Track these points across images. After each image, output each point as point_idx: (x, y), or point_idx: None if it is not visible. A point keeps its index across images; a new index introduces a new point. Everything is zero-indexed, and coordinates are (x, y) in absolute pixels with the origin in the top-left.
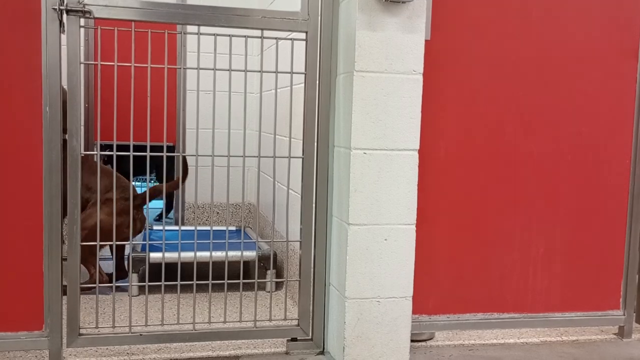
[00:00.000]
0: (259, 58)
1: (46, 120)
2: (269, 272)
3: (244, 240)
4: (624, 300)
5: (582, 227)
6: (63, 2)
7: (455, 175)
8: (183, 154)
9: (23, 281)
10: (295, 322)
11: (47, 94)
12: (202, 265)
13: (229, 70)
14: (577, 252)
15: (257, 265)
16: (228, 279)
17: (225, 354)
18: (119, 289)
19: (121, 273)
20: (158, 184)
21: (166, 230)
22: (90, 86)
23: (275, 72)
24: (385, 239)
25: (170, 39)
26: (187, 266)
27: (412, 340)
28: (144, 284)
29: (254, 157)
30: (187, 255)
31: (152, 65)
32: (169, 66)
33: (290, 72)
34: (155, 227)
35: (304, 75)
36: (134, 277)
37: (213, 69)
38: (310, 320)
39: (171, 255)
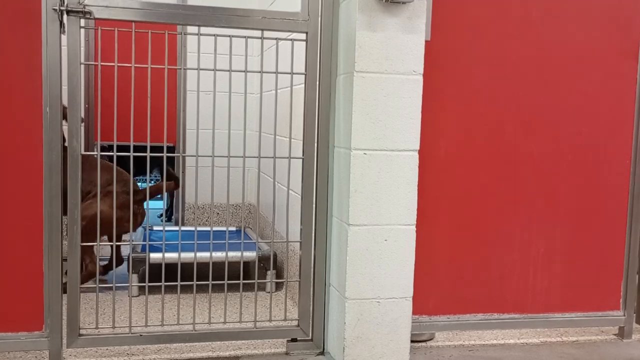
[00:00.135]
0: (259, 59)
1: (46, 120)
2: (269, 272)
3: (244, 241)
4: (624, 300)
5: (582, 227)
6: (63, 2)
7: (456, 176)
8: (168, 167)
9: (23, 281)
10: (295, 323)
11: (47, 94)
12: (202, 266)
13: (229, 70)
14: (577, 252)
15: (257, 266)
16: (228, 280)
17: (225, 355)
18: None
19: (117, 262)
20: (159, 182)
21: (166, 230)
22: (90, 87)
23: (275, 72)
24: (386, 240)
25: (170, 40)
26: (187, 267)
27: (412, 341)
28: (144, 284)
29: (254, 157)
30: (187, 256)
31: (152, 66)
32: (169, 67)
33: (290, 73)
34: (155, 228)
35: (304, 75)
36: (134, 278)
37: (213, 70)
38: (310, 321)
39: (171, 256)
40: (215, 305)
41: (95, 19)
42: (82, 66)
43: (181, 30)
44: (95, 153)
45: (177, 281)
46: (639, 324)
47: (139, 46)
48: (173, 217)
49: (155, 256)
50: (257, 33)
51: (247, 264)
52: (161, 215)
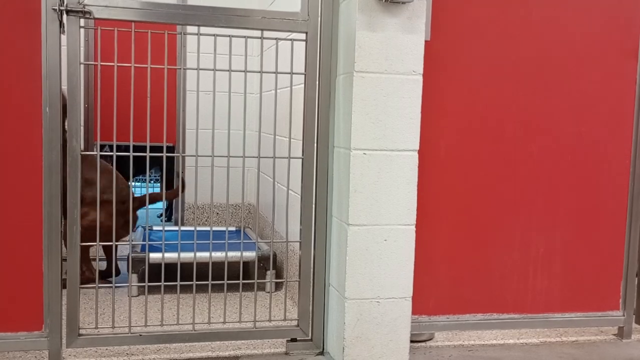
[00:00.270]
0: (259, 58)
1: (46, 120)
2: (268, 272)
3: (244, 241)
4: (624, 300)
5: (581, 227)
6: (63, 2)
7: (455, 176)
8: (182, 175)
9: (23, 281)
10: (294, 323)
11: (47, 94)
12: (202, 266)
13: (228, 70)
14: (576, 252)
15: (257, 266)
16: (228, 280)
17: (224, 355)
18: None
19: (112, 271)
20: (159, 191)
21: (166, 230)
22: (90, 86)
23: (275, 72)
24: (385, 240)
25: (170, 40)
26: (186, 266)
27: (411, 341)
28: (143, 284)
29: (254, 157)
30: (186, 256)
31: (152, 66)
32: (168, 67)
33: (290, 73)
34: (155, 228)
35: (303, 75)
36: (133, 278)
37: (213, 70)
38: (310, 321)
39: (171, 256)
40: (215, 305)
41: (94, 18)
42: (82, 66)
43: (181, 30)
44: (95, 153)
45: (176, 281)
46: (639, 324)
47: (138, 46)
48: (173, 217)
49: (154, 256)
50: (257, 33)
51: (247, 264)
52: (161, 215)
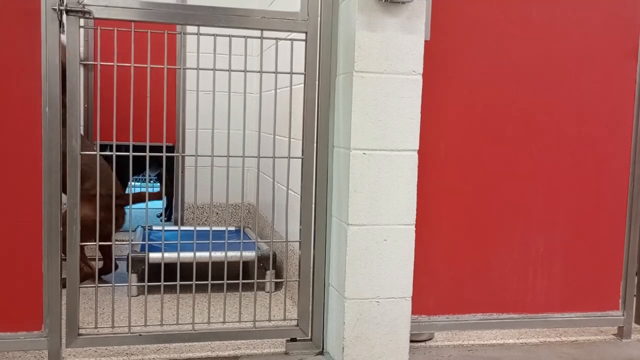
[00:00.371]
0: (259, 58)
1: (46, 120)
2: (268, 272)
3: (244, 241)
4: (624, 300)
5: (582, 227)
6: (63, 2)
7: (455, 176)
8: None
9: (22, 281)
10: (294, 323)
11: (47, 94)
12: (202, 266)
13: (228, 70)
14: (576, 252)
15: (257, 266)
16: (227, 279)
17: (224, 354)
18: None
19: (110, 267)
20: (143, 191)
21: (166, 230)
22: (90, 86)
23: (274, 72)
24: (385, 240)
25: (169, 40)
26: (186, 266)
27: (411, 341)
28: (143, 284)
29: (254, 157)
30: (186, 256)
31: (151, 66)
32: (168, 66)
33: (289, 73)
34: (154, 228)
35: (303, 75)
36: (133, 278)
37: (213, 70)
38: (310, 321)
39: (170, 256)
40: (215, 305)
41: (94, 18)
42: (82, 66)
43: (180, 30)
44: (95, 153)
45: (176, 281)
46: (638, 324)
47: (138, 46)
48: (172, 216)
49: (154, 256)
50: (257, 33)
51: (247, 264)
52: (160, 215)
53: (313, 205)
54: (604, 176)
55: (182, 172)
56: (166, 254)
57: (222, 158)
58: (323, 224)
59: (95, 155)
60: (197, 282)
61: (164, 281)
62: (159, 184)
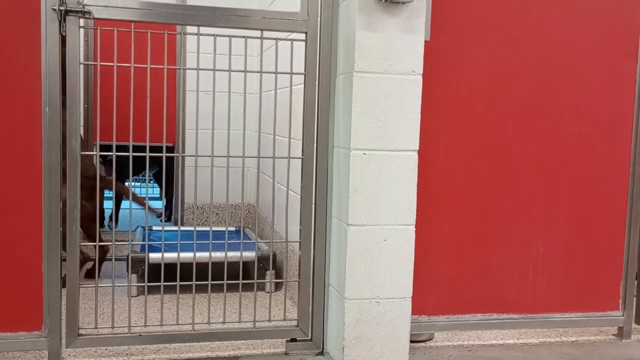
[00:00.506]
0: (259, 59)
1: (45, 120)
2: (268, 272)
3: (244, 241)
4: (624, 301)
5: (581, 227)
6: (63, 2)
7: (455, 176)
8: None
9: (22, 281)
10: (294, 323)
11: (47, 94)
12: (202, 266)
13: (228, 70)
14: (576, 252)
15: (257, 266)
16: (227, 280)
17: (224, 355)
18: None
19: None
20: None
21: (165, 230)
22: (90, 86)
23: (274, 72)
24: (385, 240)
25: (169, 40)
26: (186, 267)
27: (411, 341)
28: (143, 284)
29: (254, 157)
30: (186, 256)
31: (151, 66)
32: (168, 67)
33: (289, 73)
34: (154, 228)
35: (303, 75)
36: (133, 278)
37: (213, 70)
38: (310, 321)
39: (170, 256)
40: (215, 305)
41: (94, 18)
42: (82, 66)
43: (180, 30)
44: (95, 153)
45: (176, 281)
46: (638, 325)
47: (138, 46)
48: (172, 217)
49: (154, 256)
50: (257, 33)
51: (247, 264)
52: (160, 215)
53: (313, 206)
54: (604, 176)
55: (182, 172)
56: (166, 254)
57: (222, 158)
58: (323, 224)
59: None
60: (197, 283)
61: (164, 281)
62: (157, 184)
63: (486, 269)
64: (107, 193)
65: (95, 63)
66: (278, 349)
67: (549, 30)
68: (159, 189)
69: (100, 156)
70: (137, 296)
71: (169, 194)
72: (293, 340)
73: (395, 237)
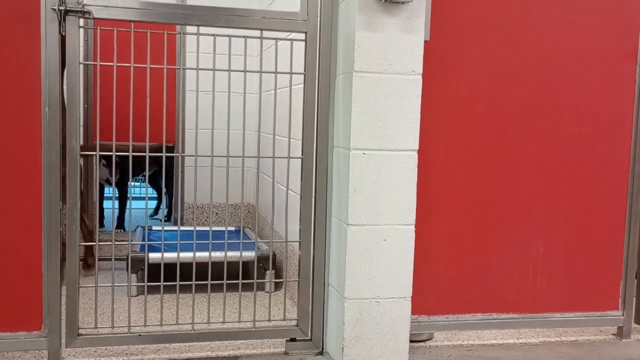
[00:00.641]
0: (259, 58)
1: (45, 120)
2: (268, 272)
3: (243, 241)
4: (623, 300)
5: (581, 227)
6: (63, 2)
7: (455, 176)
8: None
9: (22, 281)
10: (294, 323)
11: (47, 94)
12: (201, 266)
13: (228, 70)
14: (576, 252)
15: (256, 266)
16: (227, 280)
17: (224, 355)
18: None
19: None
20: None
21: (165, 230)
22: (89, 86)
23: (274, 72)
24: (385, 240)
25: (169, 40)
26: (186, 266)
27: (411, 341)
28: (142, 284)
29: (253, 157)
30: (186, 256)
31: (151, 66)
32: (168, 66)
33: (289, 73)
34: (154, 228)
35: (303, 75)
36: (133, 278)
37: (212, 70)
38: (310, 321)
39: (170, 256)
40: (214, 305)
41: (94, 18)
42: (81, 66)
43: (180, 30)
44: (95, 153)
45: (176, 281)
46: (638, 324)
47: (138, 46)
48: (172, 216)
49: (154, 256)
50: (256, 33)
51: (246, 264)
52: (152, 215)
53: (313, 205)
54: (604, 176)
55: (182, 172)
56: (166, 254)
57: (222, 158)
58: (323, 224)
59: None
60: (196, 282)
61: (164, 281)
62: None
63: (486, 269)
64: (107, 193)
65: (95, 63)
66: (278, 349)
67: (549, 30)
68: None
69: (103, 158)
70: (136, 296)
71: (168, 194)
72: (293, 340)
73: (395, 237)
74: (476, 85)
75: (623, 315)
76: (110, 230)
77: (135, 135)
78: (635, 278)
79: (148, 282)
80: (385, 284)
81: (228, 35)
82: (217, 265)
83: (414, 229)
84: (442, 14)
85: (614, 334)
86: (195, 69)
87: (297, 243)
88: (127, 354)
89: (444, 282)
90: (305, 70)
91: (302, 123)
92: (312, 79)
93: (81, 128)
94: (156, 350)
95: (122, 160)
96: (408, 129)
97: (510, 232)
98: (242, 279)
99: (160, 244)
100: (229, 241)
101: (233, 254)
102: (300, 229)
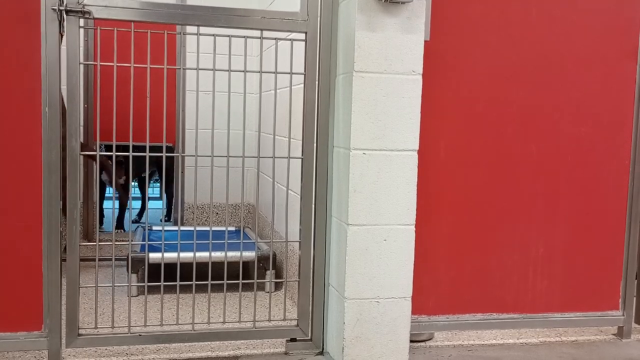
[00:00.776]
0: (259, 58)
1: (45, 120)
2: (268, 272)
3: (243, 241)
4: (623, 300)
5: (582, 227)
6: (62, 2)
7: (455, 176)
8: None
9: (22, 281)
10: (294, 323)
11: (47, 94)
12: (202, 266)
13: (228, 70)
14: (576, 252)
15: (257, 266)
16: (227, 280)
17: (224, 355)
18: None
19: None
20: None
21: (165, 230)
22: (90, 86)
23: (274, 72)
24: (385, 240)
25: (169, 40)
26: (186, 267)
27: (411, 341)
28: (143, 284)
29: (254, 157)
30: (186, 256)
31: (151, 66)
32: (168, 67)
33: (289, 73)
34: (154, 228)
35: (303, 75)
36: (133, 278)
37: (212, 70)
38: (310, 321)
39: (170, 256)
40: (215, 305)
41: (94, 18)
42: (81, 66)
43: (180, 30)
44: (95, 153)
45: (176, 281)
46: (638, 324)
47: (138, 46)
48: (172, 216)
49: (154, 256)
50: (257, 33)
51: (247, 264)
52: (135, 220)
53: (313, 205)
54: (604, 176)
55: (182, 172)
56: (166, 254)
57: (222, 158)
58: (323, 224)
59: None
60: (197, 282)
61: (164, 281)
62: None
63: (486, 269)
64: (108, 193)
65: (95, 63)
66: (278, 349)
67: (549, 30)
68: (158, 189)
69: (110, 160)
70: (137, 296)
71: (168, 194)
72: (293, 340)
73: (395, 237)
74: (476, 85)
75: (623, 315)
76: (110, 230)
77: (135, 135)
78: (635, 278)
79: (148, 282)
80: (386, 284)
81: (228, 35)
82: (218, 265)
83: (414, 229)
84: (442, 14)
85: (614, 334)
86: (196, 69)
87: (297, 243)
88: (127, 354)
89: (444, 282)
90: (305, 70)
91: (302, 123)
92: (312, 79)
93: (81, 128)
94: (156, 351)
95: (127, 161)
96: (408, 129)
97: (510, 232)
98: (242, 279)
99: (161, 244)
100: (229, 241)
101: (233, 254)
102: (300, 229)
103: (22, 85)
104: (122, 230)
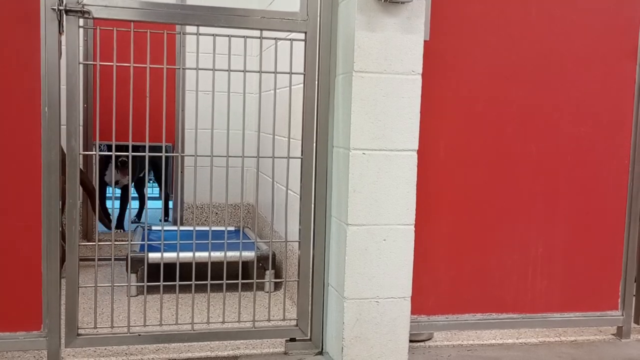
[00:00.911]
0: (258, 58)
1: (45, 120)
2: (267, 272)
3: (243, 241)
4: (623, 300)
5: (581, 227)
6: (62, 2)
7: (455, 176)
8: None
9: (21, 281)
10: (294, 323)
11: (46, 94)
12: (201, 266)
13: (228, 70)
14: (576, 252)
15: (256, 266)
16: (227, 279)
17: (223, 354)
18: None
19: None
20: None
21: (165, 230)
22: (89, 86)
23: (274, 72)
24: (384, 240)
25: (169, 40)
26: (185, 266)
27: (410, 341)
28: (142, 284)
29: (253, 157)
30: (185, 256)
31: (151, 66)
32: (168, 66)
33: (289, 73)
34: (154, 228)
35: (303, 75)
36: (132, 278)
37: (212, 70)
38: (309, 321)
39: (170, 256)
40: (214, 305)
41: (94, 18)
42: (81, 66)
43: (180, 30)
44: (94, 153)
45: (175, 281)
46: (638, 324)
47: (137, 46)
48: (171, 216)
49: (153, 256)
50: (256, 33)
51: (246, 264)
52: (134, 220)
53: (312, 205)
54: (604, 176)
55: (182, 172)
56: (165, 254)
57: (222, 158)
58: (322, 224)
59: None
60: (196, 282)
61: (164, 281)
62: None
63: (486, 269)
64: (107, 193)
65: (95, 63)
66: (277, 349)
67: (549, 30)
68: (158, 188)
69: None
70: (136, 296)
71: (167, 194)
72: (292, 340)
73: (394, 236)
74: (476, 85)
75: (622, 315)
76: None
77: (135, 135)
78: (635, 282)
79: (148, 282)
80: (385, 284)
81: (228, 35)
82: (217, 265)
83: (414, 229)
84: (442, 14)
85: (613, 334)
86: (195, 69)
87: (297, 243)
88: (126, 354)
89: (443, 282)
90: (305, 70)
91: (301, 123)
92: (312, 79)
93: (81, 128)
94: (156, 350)
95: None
96: (408, 129)
97: (510, 232)
98: (242, 279)
99: (160, 243)
100: (228, 241)
101: (233, 254)
102: (299, 229)
103: (22, 85)
104: (122, 230)
